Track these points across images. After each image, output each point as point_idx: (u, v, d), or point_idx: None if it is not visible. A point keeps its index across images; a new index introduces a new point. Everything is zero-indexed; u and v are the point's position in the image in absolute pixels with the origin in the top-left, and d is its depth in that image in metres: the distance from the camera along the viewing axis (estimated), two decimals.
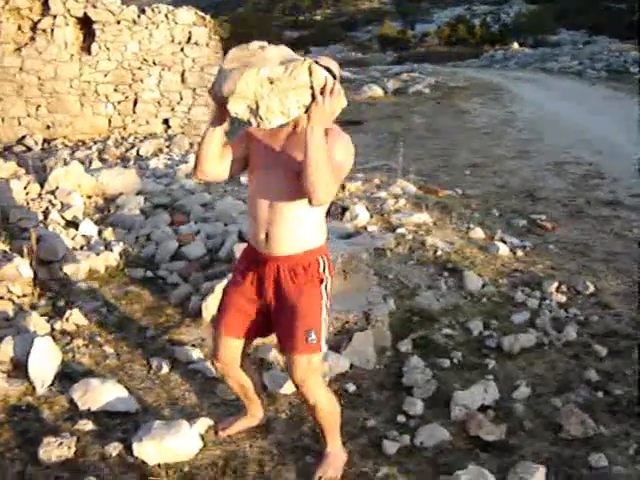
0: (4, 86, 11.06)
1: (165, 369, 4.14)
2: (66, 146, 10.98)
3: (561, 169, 10.36)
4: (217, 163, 2.94)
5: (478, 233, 6.67)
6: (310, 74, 2.61)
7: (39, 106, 11.37)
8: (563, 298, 5.39)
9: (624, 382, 4.14)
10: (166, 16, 11.99)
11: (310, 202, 2.71)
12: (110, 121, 12.12)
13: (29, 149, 10.71)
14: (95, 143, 11.15)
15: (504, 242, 6.51)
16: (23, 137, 11.12)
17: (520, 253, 6.33)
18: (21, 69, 11.11)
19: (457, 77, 24.72)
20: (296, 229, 2.89)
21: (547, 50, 38.13)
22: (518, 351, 4.51)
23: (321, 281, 2.98)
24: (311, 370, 3.01)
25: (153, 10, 11.88)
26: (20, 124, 11.27)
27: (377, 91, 21.00)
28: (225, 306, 3.19)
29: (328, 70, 2.71)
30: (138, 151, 10.51)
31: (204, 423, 3.58)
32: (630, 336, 4.76)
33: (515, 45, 45.29)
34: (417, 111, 17.62)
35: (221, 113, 2.78)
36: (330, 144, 2.73)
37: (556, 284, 5.57)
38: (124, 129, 12.17)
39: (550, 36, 56.99)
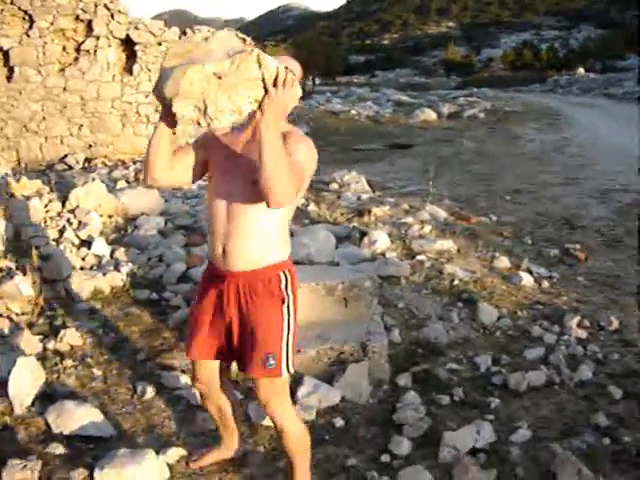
0: (48, 105, 11.26)
1: (149, 394, 4.02)
2: (106, 165, 11.10)
3: (607, 196, 9.95)
4: (167, 168, 2.72)
5: (503, 262, 6.37)
6: (259, 65, 2.37)
7: (81, 126, 11.53)
8: (584, 334, 5.06)
9: (635, 428, 3.81)
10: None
11: (267, 204, 2.48)
12: None
13: (70, 168, 10.85)
14: (134, 163, 11.23)
15: (530, 272, 6.19)
16: (65, 156, 11.27)
17: (546, 284, 6.01)
18: (64, 89, 11.29)
19: (515, 102, 24.37)
20: (255, 242, 2.70)
21: (612, 75, 37.37)
22: (525, 390, 4.22)
23: (283, 300, 2.78)
24: (274, 391, 2.85)
25: (194, 32, 11.93)
26: (62, 143, 11.43)
27: (431, 115, 20.83)
28: (191, 328, 3.01)
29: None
30: None
31: (176, 453, 3.46)
32: None
33: (581, 70, 44.70)
34: (469, 135, 17.36)
35: (168, 113, 2.53)
36: (291, 145, 2.55)
37: (578, 318, 5.23)
38: None
39: (619, 61, 56.02)
